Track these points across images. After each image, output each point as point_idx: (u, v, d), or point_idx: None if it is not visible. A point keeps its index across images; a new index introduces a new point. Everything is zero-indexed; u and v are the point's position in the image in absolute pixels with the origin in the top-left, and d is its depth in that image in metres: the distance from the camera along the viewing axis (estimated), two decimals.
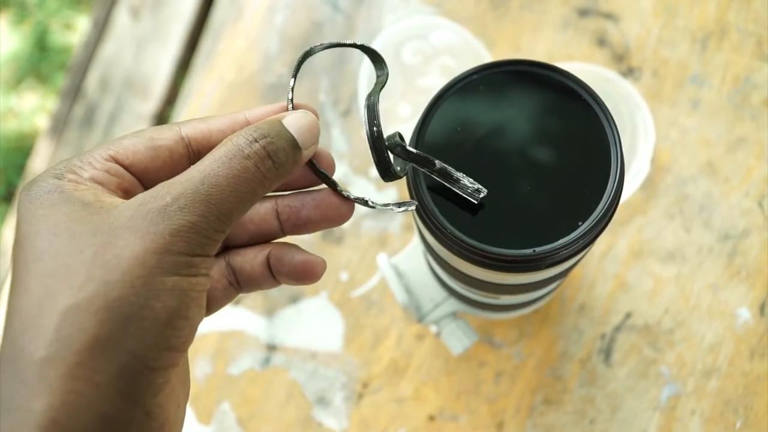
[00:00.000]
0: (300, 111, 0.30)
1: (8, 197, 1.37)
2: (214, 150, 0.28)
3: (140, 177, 0.29)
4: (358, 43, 0.33)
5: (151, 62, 1.26)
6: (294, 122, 0.29)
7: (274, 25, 0.62)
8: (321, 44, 0.32)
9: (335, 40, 0.32)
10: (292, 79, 0.32)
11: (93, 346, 0.24)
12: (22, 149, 1.39)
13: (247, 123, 0.31)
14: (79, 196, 0.27)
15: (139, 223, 0.26)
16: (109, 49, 1.29)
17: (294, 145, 0.29)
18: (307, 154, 0.30)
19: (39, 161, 1.28)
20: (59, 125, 1.28)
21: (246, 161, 0.27)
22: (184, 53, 1.27)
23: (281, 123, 0.29)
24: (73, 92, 1.28)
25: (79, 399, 0.23)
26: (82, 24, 1.43)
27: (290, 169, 0.29)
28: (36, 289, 0.25)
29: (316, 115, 0.32)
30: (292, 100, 0.32)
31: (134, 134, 0.30)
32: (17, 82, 1.44)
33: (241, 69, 0.61)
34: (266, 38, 0.62)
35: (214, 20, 1.26)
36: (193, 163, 0.28)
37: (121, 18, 1.29)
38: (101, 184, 0.28)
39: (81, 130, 1.27)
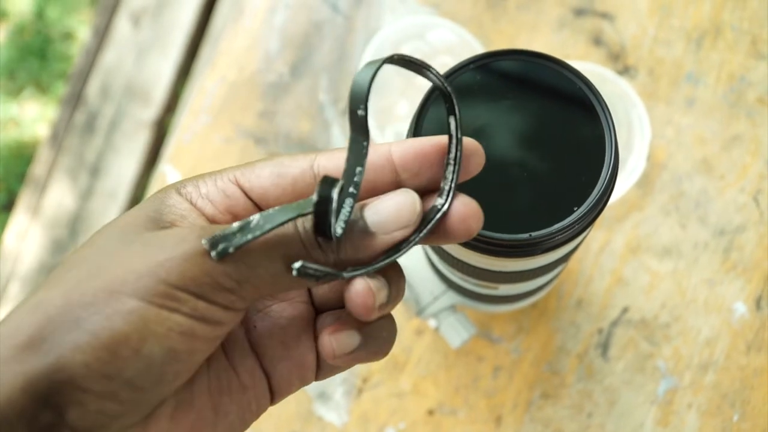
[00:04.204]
0: (398, 193, 0.27)
1: (9, 206, 1.37)
2: None
3: (258, 202, 0.29)
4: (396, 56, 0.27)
5: (152, 69, 1.27)
6: (375, 207, 0.27)
7: (274, 24, 0.63)
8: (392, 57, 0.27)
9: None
10: (452, 120, 0.29)
11: (28, 339, 0.23)
12: (22, 157, 1.40)
13: (390, 156, 0.28)
14: (157, 212, 0.27)
15: (151, 242, 0.25)
16: (109, 56, 1.29)
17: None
18: (386, 238, 0.27)
19: (39, 169, 1.28)
20: (60, 133, 1.28)
21: (289, 226, 0.26)
22: (184, 60, 1.27)
23: (360, 210, 0.27)
24: (74, 100, 1.29)
25: None
26: (83, 32, 1.44)
27: (351, 253, 0.27)
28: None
29: (480, 154, 0.29)
30: (457, 136, 0.28)
31: (269, 157, 0.29)
32: (18, 91, 1.45)
33: (242, 68, 0.62)
34: (266, 38, 0.62)
35: (215, 27, 1.27)
36: None
37: (122, 25, 1.30)
38: (212, 202, 0.28)
39: (82, 138, 1.27)
